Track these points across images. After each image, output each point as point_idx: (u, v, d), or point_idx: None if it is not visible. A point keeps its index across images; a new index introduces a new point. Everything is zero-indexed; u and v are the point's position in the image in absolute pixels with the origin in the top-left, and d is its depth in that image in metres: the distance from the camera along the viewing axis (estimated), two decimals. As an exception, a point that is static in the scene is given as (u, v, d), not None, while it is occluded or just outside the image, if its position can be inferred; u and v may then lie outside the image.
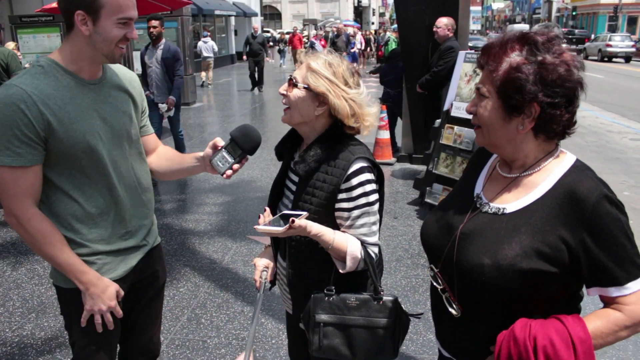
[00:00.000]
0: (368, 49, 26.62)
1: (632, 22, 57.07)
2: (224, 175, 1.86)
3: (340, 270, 1.79)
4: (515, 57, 1.35)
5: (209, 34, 20.33)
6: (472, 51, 5.79)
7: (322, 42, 16.93)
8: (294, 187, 1.90)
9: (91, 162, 1.83)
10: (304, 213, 1.73)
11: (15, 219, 1.77)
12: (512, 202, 1.43)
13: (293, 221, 1.65)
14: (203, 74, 18.40)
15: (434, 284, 1.53)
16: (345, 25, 25.51)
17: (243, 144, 1.85)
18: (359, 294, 1.82)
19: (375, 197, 1.80)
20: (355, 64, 1.83)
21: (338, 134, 1.83)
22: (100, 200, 1.87)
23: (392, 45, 16.56)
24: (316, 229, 1.74)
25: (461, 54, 5.61)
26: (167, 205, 6.19)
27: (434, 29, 6.62)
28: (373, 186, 1.80)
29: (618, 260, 1.29)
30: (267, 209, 1.89)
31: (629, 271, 1.30)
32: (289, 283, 1.95)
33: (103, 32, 1.75)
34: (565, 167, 1.40)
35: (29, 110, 1.68)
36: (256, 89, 16.52)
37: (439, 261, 1.51)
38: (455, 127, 5.43)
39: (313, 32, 21.10)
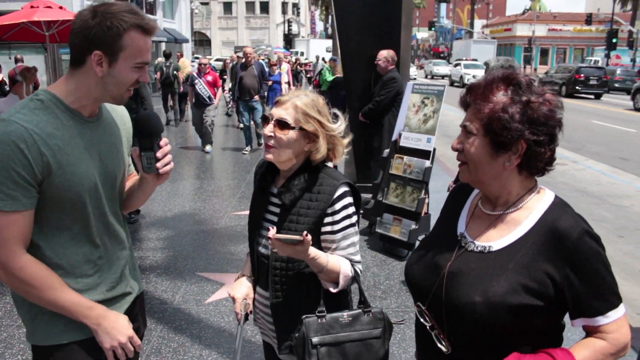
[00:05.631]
0: (298, 83, 20.40)
1: (544, 53, 61.50)
2: (160, 171, 1.77)
3: (332, 290, 1.86)
4: (501, 96, 1.42)
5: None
6: (420, 82, 5.91)
7: (209, 78, 10.86)
8: (275, 218, 1.93)
9: (75, 208, 1.68)
10: (300, 236, 1.70)
11: (4, 269, 1.57)
12: (497, 239, 1.48)
13: (307, 234, 1.67)
14: None
15: (422, 321, 1.54)
16: (275, 53, 24.56)
17: (147, 133, 1.75)
18: (350, 311, 1.88)
19: (356, 218, 1.93)
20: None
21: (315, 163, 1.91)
22: (82, 246, 1.72)
23: (327, 74, 16.60)
24: (313, 251, 1.77)
25: (409, 85, 5.72)
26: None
27: (376, 62, 6.72)
28: (354, 208, 1.92)
29: (600, 291, 1.37)
30: (274, 227, 1.85)
31: (610, 301, 1.39)
32: (274, 313, 1.94)
33: (118, 76, 1.65)
34: (546, 204, 1.46)
35: (29, 151, 1.53)
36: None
37: (426, 299, 1.54)
38: (405, 157, 5.49)
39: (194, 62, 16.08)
